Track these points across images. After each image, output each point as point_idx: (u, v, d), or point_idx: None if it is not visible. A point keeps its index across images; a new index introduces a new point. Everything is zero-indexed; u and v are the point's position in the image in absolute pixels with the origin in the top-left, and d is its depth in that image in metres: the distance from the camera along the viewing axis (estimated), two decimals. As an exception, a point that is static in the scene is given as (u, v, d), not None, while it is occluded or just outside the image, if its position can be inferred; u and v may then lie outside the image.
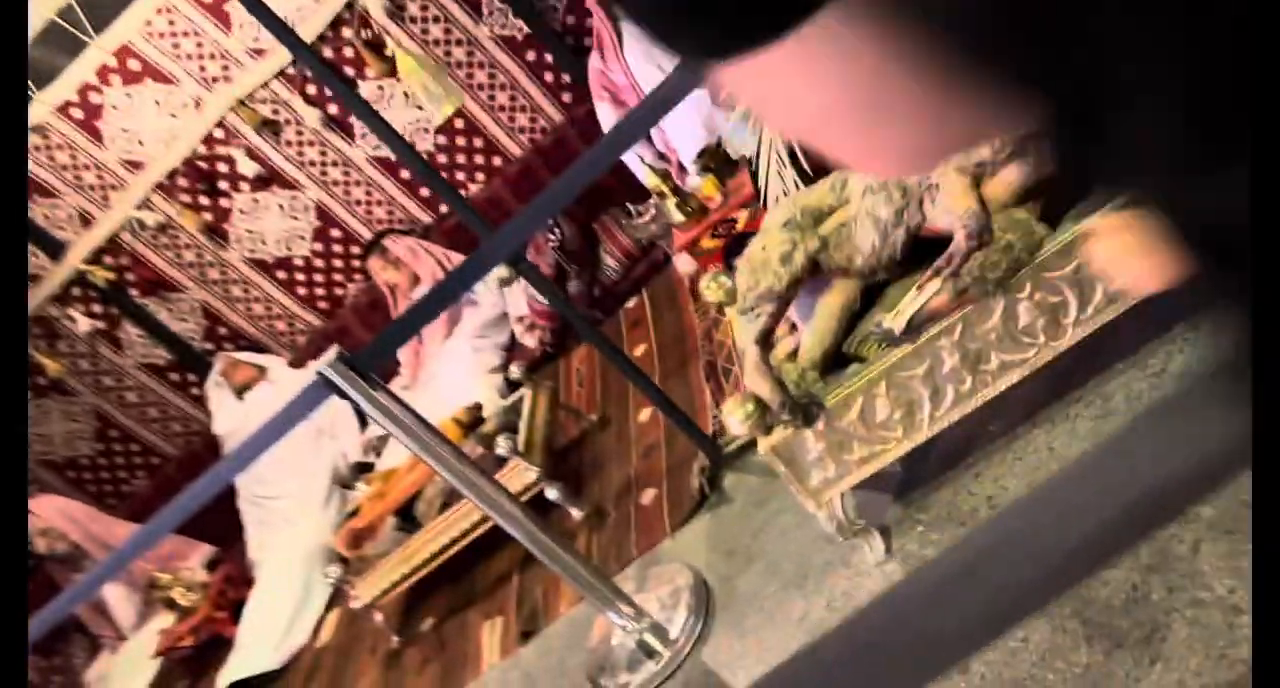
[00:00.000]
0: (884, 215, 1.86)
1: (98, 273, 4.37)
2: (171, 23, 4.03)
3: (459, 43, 4.20)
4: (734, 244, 3.02)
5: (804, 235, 1.88)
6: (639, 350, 3.67)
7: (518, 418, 3.42)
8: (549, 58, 4.28)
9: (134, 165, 4.27)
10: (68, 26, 3.93)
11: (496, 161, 4.45)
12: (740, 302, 1.95)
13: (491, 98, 4.32)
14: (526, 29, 4.20)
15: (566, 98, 4.37)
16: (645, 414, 3.40)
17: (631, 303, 3.98)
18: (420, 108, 4.27)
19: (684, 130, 3.54)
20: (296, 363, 4.54)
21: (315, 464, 4.20)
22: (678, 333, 3.54)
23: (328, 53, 4.12)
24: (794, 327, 2.21)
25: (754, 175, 2.28)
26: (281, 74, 4.16)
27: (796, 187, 2.13)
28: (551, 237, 4.03)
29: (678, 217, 3.23)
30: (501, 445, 3.06)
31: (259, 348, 4.66)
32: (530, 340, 4.17)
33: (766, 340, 1.94)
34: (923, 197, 1.85)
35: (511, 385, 3.74)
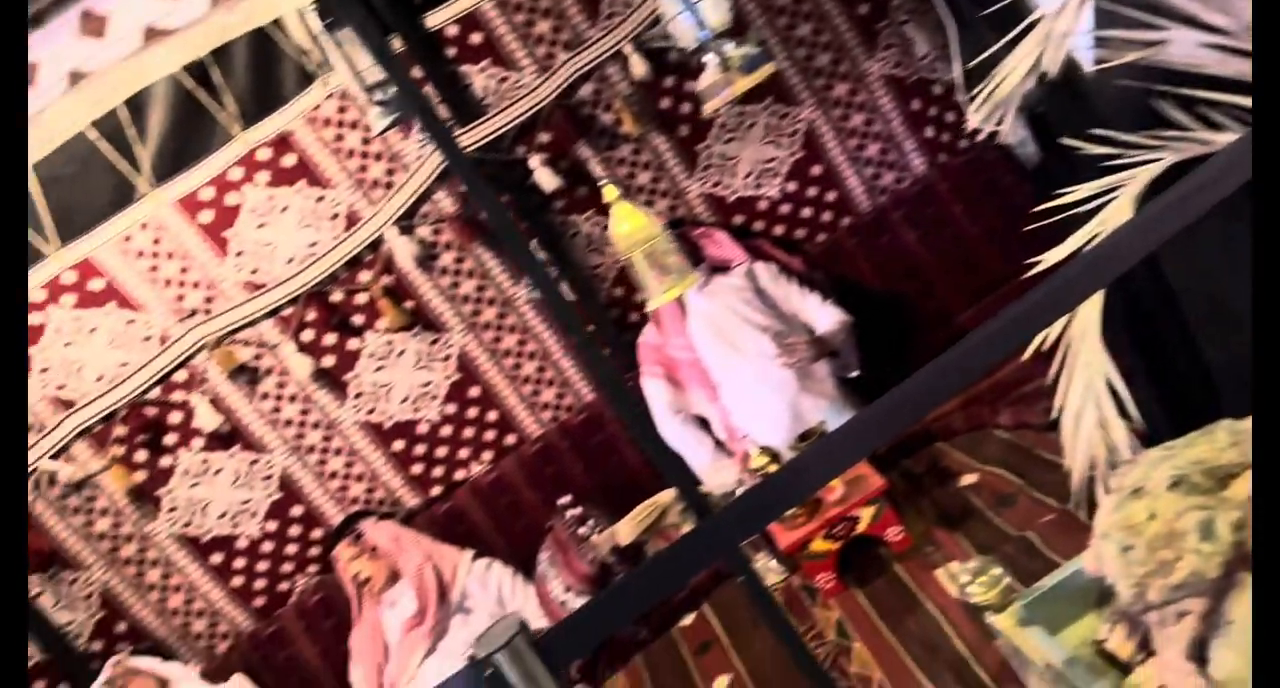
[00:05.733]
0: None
1: (-26, 537, 3.35)
2: (157, 241, 3.30)
3: (490, 302, 3.55)
4: (850, 549, 2.62)
5: (1218, 502, 1.32)
6: (720, 684, 2.66)
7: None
8: (589, 327, 3.56)
9: (62, 404, 3.36)
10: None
11: (510, 439, 3.66)
12: (1126, 597, 1.31)
13: (517, 367, 3.61)
14: (570, 295, 3.53)
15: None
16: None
17: (688, 620, 3.01)
18: (431, 370, 3.49)
19: (757, 413, 3.17)
20: (212, 675, 3.44)
21: None
22: (783, 661, 2.58)
23: (336, 296, 3.40)
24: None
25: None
26: (275, 313, 3.40)
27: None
28: (588, 527, 3.18)
29: (782, 511, 2.66)
30: None
31: (165, 653, 3.55)
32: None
33: (1202, 656, 1.27)
34: None
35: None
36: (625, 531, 3.23)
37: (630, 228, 2.84)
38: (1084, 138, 1.71)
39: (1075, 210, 1.76)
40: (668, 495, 3.24)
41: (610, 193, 2.89)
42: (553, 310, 3.29)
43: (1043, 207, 1.75)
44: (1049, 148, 1.89)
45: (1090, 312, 1.72)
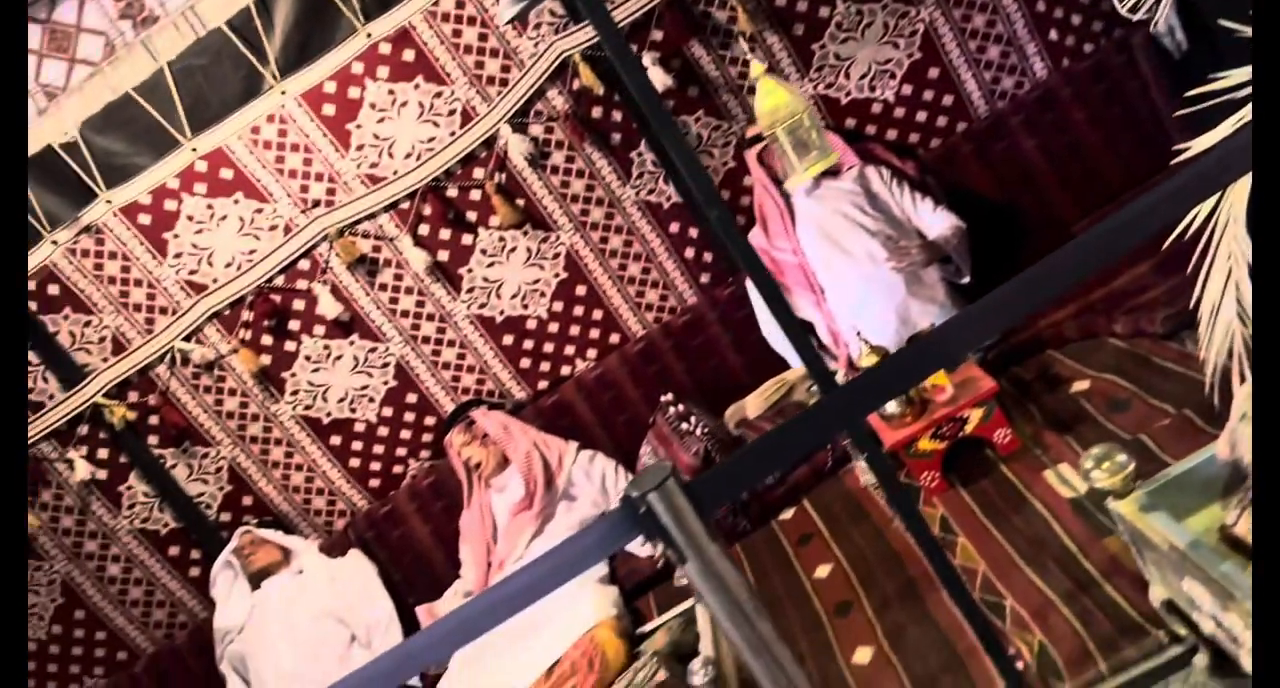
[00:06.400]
0: None
1: (117, 411, 3.55)
2: (283, 133, 3.42)
3: (599, 202, 3.59)
4: (955, 450, 2.65)
5: None
6: (821, 572, 2.74)
7: (695, 638, 2.63)
8: (693, 232, 3.64)
9: (195, 287, 3.55)
10: (161, 120, 3.33)
11: (614, 338, 3.73)
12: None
13: (622, 267, 3.66)
14: (676, 198, 3.57)
15: (705, 278, 3.69)
16: (864, 654, 2.28)
17: (788, 514, 3.10)
18: (541, 267, 3.58)
19: (864, 316, 3.12)
20: (330, 550, 3.70)
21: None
22: (881, 553, 2.65)
23: (451, 191, 3.51)
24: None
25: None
26: (394, 207, 3.50)
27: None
28: (689, 422, 3.25)
29: (891, 408, 2.67)
30: (699, 674, 2.29)
31: (286, 527, 3.79)
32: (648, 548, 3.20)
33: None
34: None
35: (629, 596, 3.09)
36: (754, 405, 3.29)
37: (774, 103, 2.81)
38: (1243, 20, 1.65)
39: (1220, 100, 1.71)
40: (794, 373, 3.28)
41: (756, 68, 2.87)
42: (692, 184, 3.32)
43: (1196, 91, 1.69)
44: (1196, 37, 1.81)
45: (1237, 200, 1.68)
